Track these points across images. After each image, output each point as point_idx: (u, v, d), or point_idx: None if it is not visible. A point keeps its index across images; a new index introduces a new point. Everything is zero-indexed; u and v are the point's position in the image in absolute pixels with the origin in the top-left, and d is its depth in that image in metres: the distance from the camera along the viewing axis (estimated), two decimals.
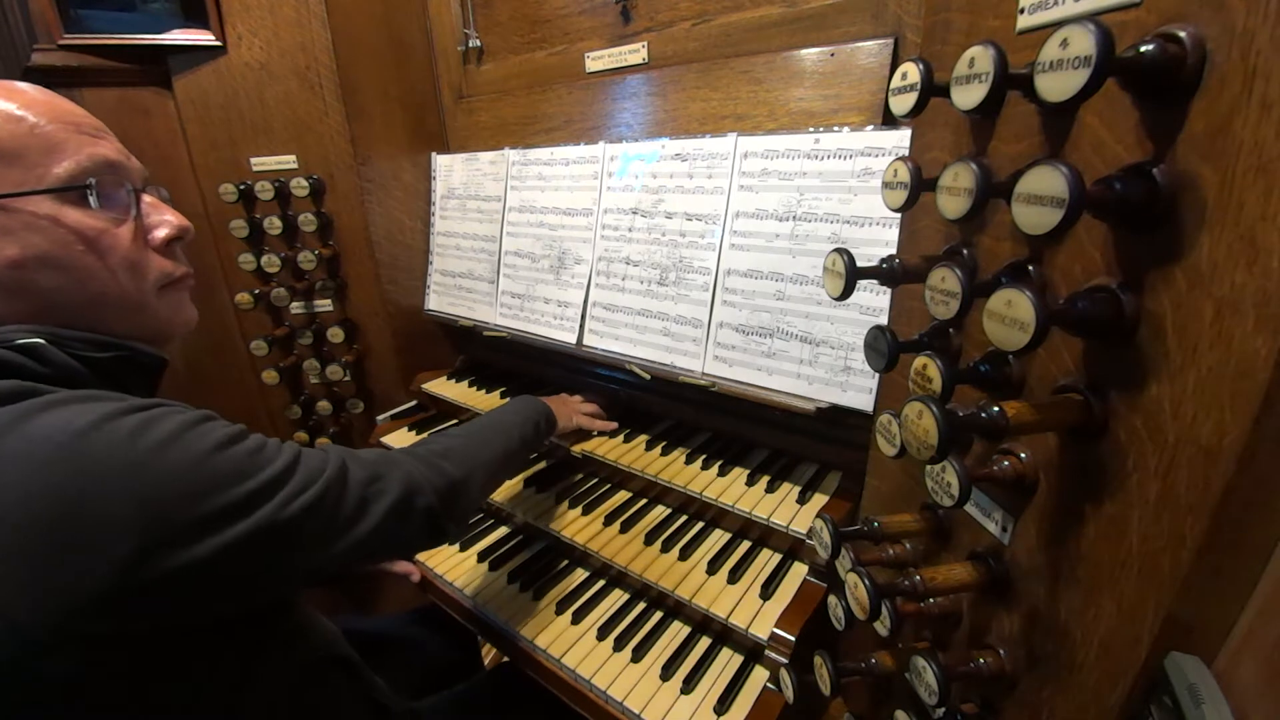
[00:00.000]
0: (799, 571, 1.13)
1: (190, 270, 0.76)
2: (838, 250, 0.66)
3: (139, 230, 0.69)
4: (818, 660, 0.77)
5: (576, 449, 1.37)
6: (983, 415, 0.48)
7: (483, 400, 1.66)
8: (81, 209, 0.63)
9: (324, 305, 1.74)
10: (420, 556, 1.34)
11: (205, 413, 0.61)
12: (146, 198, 0.71)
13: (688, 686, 1.02)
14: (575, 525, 1.28)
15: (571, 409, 1.38)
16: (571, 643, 1.11)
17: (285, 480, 0.61)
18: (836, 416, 1.06)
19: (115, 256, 0.66)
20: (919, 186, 0.61)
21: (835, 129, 1.07)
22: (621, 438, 1.40)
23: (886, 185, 0.65)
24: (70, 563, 0.48)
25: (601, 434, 1.41)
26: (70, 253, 0.62)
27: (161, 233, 0.71)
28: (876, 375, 1.00)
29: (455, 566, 1.33)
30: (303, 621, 0.80)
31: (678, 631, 1.15)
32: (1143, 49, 0.41)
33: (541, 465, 1.51)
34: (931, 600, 0.67)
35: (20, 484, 0.47)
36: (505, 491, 1.40)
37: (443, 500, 0.80)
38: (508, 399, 1.20)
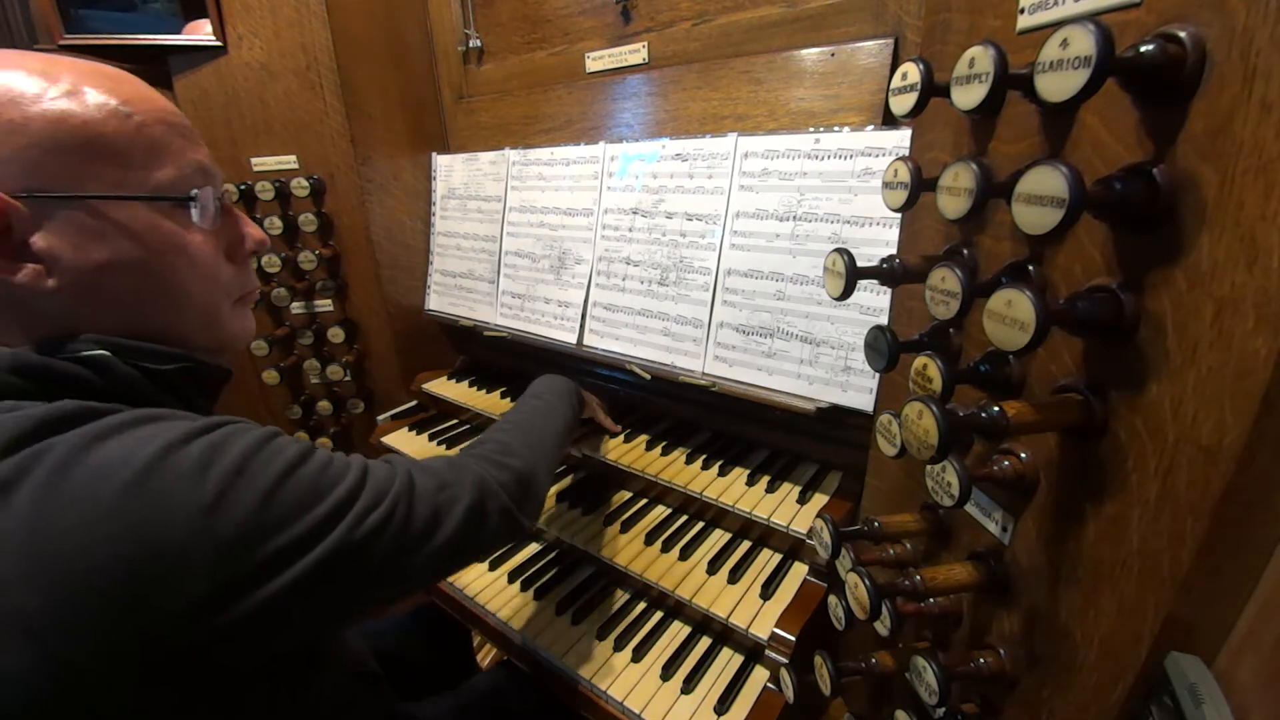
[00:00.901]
0: (799, 571, 1.13)
1: (259, 286, 0.75)
2: (838, 250, 0.66)
3: (225, 239, 0.67)
4: (818, 660, 0.77)
5: (575, 449, 1.37)
6: (983, 415, 0.48)
7: (483, 400, 1.66)
8: (178, 218, 0.61)
9: (324, 305, 1.74)
10: None
11: (270, 430, 0.58)
12: (228, 205, 0.69)
13: (688, 686, 1.02)
14: (575, 526, 1.28)
15: (586, 393, 1.35)
16: (572, 643, 1.11)
17: (354, 499, 0.58)
18: (837, 416, 1.06)
19: (203, 267, 0.64)
20: (919, 186, 0.61)
21: (835, 129, 1.07)
22: (622, 438, 1.40)
23: (887, 185, 0.65)
24: (136, 611, 0.45)
25: (609, 434, 1.41)
26: (161, 262, 0.60)
27: (246, 246, 0.70)
28: (877, 375, 1.00)
29: None
30: (340, 642, 0.78)
31: (678, 631, 1.15)
32: (1143, 49, 0.41)
33: None
34: (931, 600, 0.67)
35: (83, 528, 0.44)
36: None
37: (515, 497, 0.79)
38: (530, 390, 1.16)
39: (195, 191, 0.61)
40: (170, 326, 0.63)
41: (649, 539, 1.23)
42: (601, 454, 1.35)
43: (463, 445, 0.94)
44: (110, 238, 0.56)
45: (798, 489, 1.17)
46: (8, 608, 0.43)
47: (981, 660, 0.62)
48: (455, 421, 1.73)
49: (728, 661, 1.08)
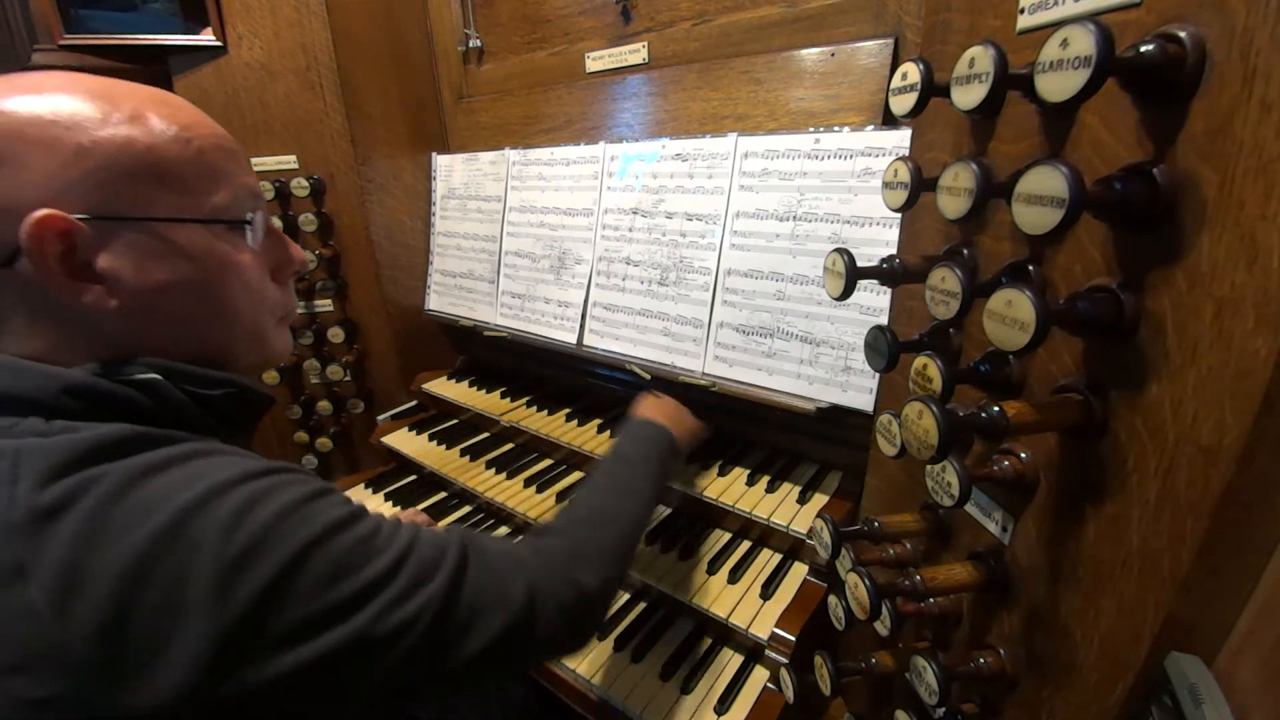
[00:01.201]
0: (799, 571, 1.13)
1: (297, 303, 0.75)
2: (838, 250, 0.66)
3: (271, 260, 0.68)
4: (818, 660, 0.77)
5: (568, 445, 1.37)
6: (983, 415, 0.48)
7: (483, 400, 1.66)
8: (231, 240, 0.62)
9: (324, 305, 1.74)
10: None
11: (319, 487, 0.56)
12: (272, 227, 0.70)
13: (688, 686, 1.02)
14: None
15: (688, 416, 1.14)
16: None
17: (387, 581, 0.53)
18: (837, 416, 1.06)
19: (252, 288, 0.64)
20: (919, 186, 0.61)
21: (835, 129, 1.07)
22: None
23: (887, 185, 0.65)
24: (147, 659, 0.45)
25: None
26: (215, 282, 0.61)
27: (292, 267, 0.71)
28: (877, 375, 1.00)
29: None
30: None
31: (678, 631, 1.15)
32: (1143, 49, 0.41)
33: (545, 464, 1.51)
34: (931, 600, 0.67)
35: (118, 567, 0.45)
36: (504, 492, 1.40)
37: (569, 619, 0.66)
38: (625, 445, 0.99)
39: (250, 215, 0.63)
40: (221, 345, 0.64)
41: (649, 539, 1.23)
42: (601, 454, 1.34)
43: (530, 531, 0.79)
44: (170, 259, 0.58)
45: (798, 489, 1.17)
46: (37, 635, 0.44)
47: (981, 660, 0.62)
48: (455, 421, 1.73)
49: (728, 662, 1.08)
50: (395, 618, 0.52)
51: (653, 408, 1.11)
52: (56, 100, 0.53)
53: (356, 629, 0.50)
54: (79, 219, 0.52)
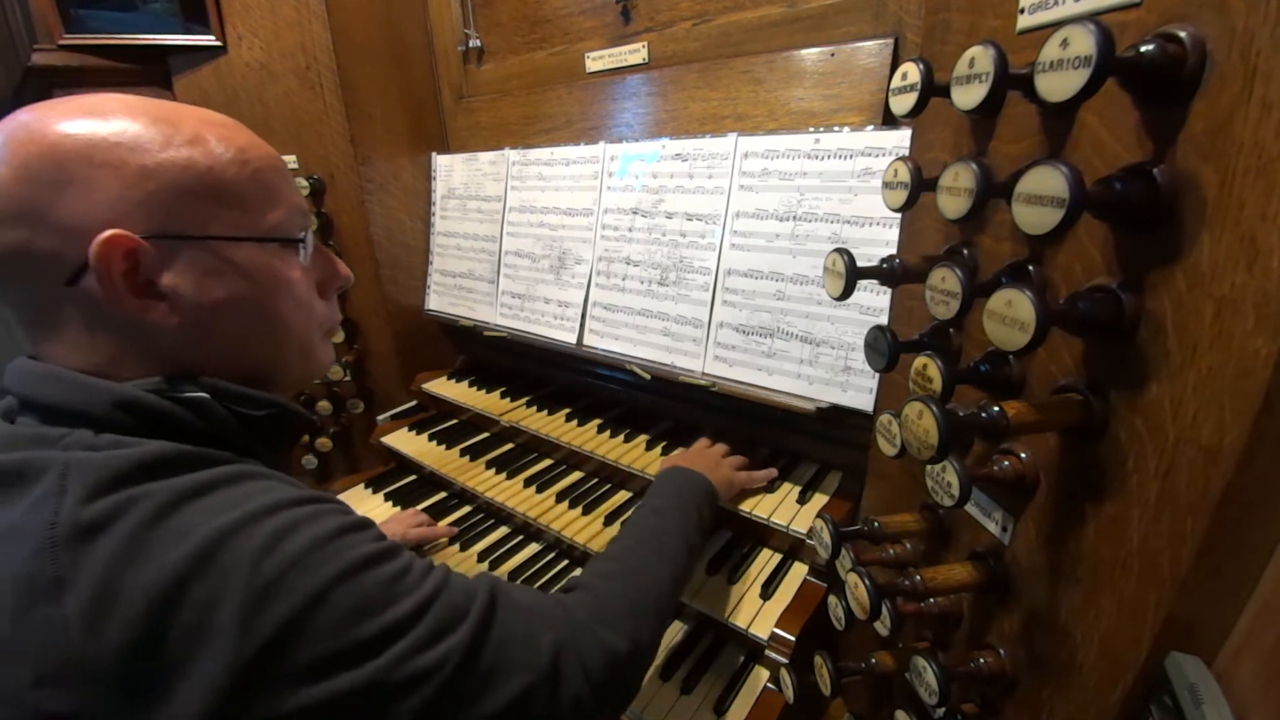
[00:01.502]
0: (799, 571, 1.13)
1: (340, 318, 0.77)
2: (838, 250, 0.66)
3: (318, 276, 0.70)
4: (818, 660, 0.77)
5: (568, 445, 1.37)
6: (983, 415, 0.48)
7: (483, 400, 1.66)
8: (284, 257, 0.64)
9: None
10: None
11: (357, 520, 0.56)
12: (316, 243, 0.71)
13: (688, 686, 1.02)
14: (575, 525, 1.28)
15: (727, 471, 1.12)
16: None
17: (411, 625, 0.52)
18: (837, 416, 1.06)
19: (303, 304, 0.66)
20: (919, 186, 0.61)
21: (835, 129, 1.07)
22: (622, 437, 1.40)
23: (887, 185, 0.65)
24: (176, 685, 0.45)
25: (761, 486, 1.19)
26: (270, 299, 0.62)
27: (337, 282, 0.73)
28: (877, 375, 1.00)
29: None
30: None
31: (677, 631, 1.15)
32: (1143, 49, 0.41)
33: (545, 464, 1.51)
34: (931, 600, 0.67)
35: (149, 589, 0.46)
36: (504, 492, 1.40)
37: (598, 686, 0.62)
38: (658, 496, 0.95)
39: (304, 234, 0.65)
40: (271, 361, 0.65)
41: None
42: (601, 454, 1.35)
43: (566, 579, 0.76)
44: (228, 276, 0.59)
45: (797, 489, 1.17)
46: (67, 650, 0.44)
47: (981, 660, 0.62)
48: (455, 421, 1.73)
49: (728, 661, 1.08)
50: (415, 665, 0.51)
51: (689, 456, 1.11)
52: (120, 123, 0.54)
53: (374, 672, 0.50)
54: (144, 238, 0.54)
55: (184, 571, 0.46)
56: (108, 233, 0.51)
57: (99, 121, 0.54)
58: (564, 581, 0.76)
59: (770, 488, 1.18)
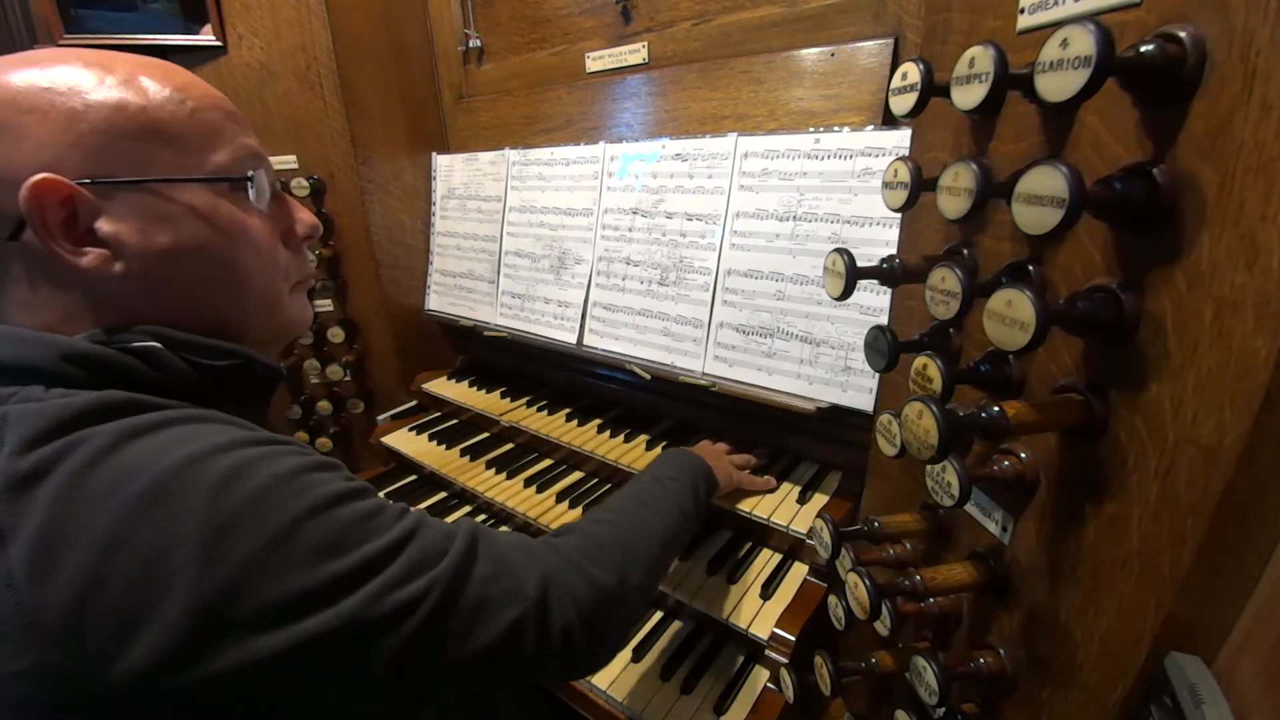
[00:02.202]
0: (799, 571, 1.13)
1: (314, 271, 0.74)
2: (838, 250, 0.66)
3: (279, 224, 0.67)
4: (818, 660, 0.77)
5: (568, 445, 1.37)
6: (983, 415, 0.48)
7: (483, 400, 1.66)
8: (235, 200, 0.61)
9: (324, 305, 1.74)
10: None
11: (321, 460, 0.53)
12: (280, 192, 0.69)
13: (688, 686, 1.02)
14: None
15: (727, 464, 1.13)
16: None
17: (387, 562, 0.50)
18: (837, 416, 1.06)
19: (263, 251, 0.63)
20: (919, 186, 0.61)
21: (835, 129, 1.07)
22: (622, 437, 1.40)
23: (887, 185, 0.65)
24: (132, 631, 0.43)
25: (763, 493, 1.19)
26: (224, 244, 0.60)
27: (299, 230, 0.69)
28: (877, 375, 1.00)
29: None
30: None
31: (677, 631, 1.15)
32: (1143, 49, 0.41)
33: (545, 464, 1.51)
34: (931, 600, 0.67)
35: (99, 533, 0.43)
36: (504, 493, 1.40)
37: (586, 617, 0.62)
38: (652, 468, 0.96)
39: (251, 172, 0.62)
40: (234, 313, 0.63)
41: None
42: (601, 455, 1.35)
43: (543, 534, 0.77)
44: (173, 221, 0.57)
45: (798, 489, 1.17)
46: (15, 604, 0.42)
47: (981, 660, 0.62)
48: (455, 421, 1.73)
49: (728, 661, 1.08)
50: (393, 600, 0.49)
51: (695, 447, 1.13)
52: (52, 70, 0.53)
53: (351, 609, 0.47)
54: (78, 183, 0.52)
55: (132, 514, 0.44)
56: (37, 177, 0.50)
57: (30, 70, 0.52)
58: (558, 526, 0.76)
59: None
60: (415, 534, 0.54)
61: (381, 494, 1.57)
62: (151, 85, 0.56)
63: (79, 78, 0.53)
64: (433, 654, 0.52)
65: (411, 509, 0.58)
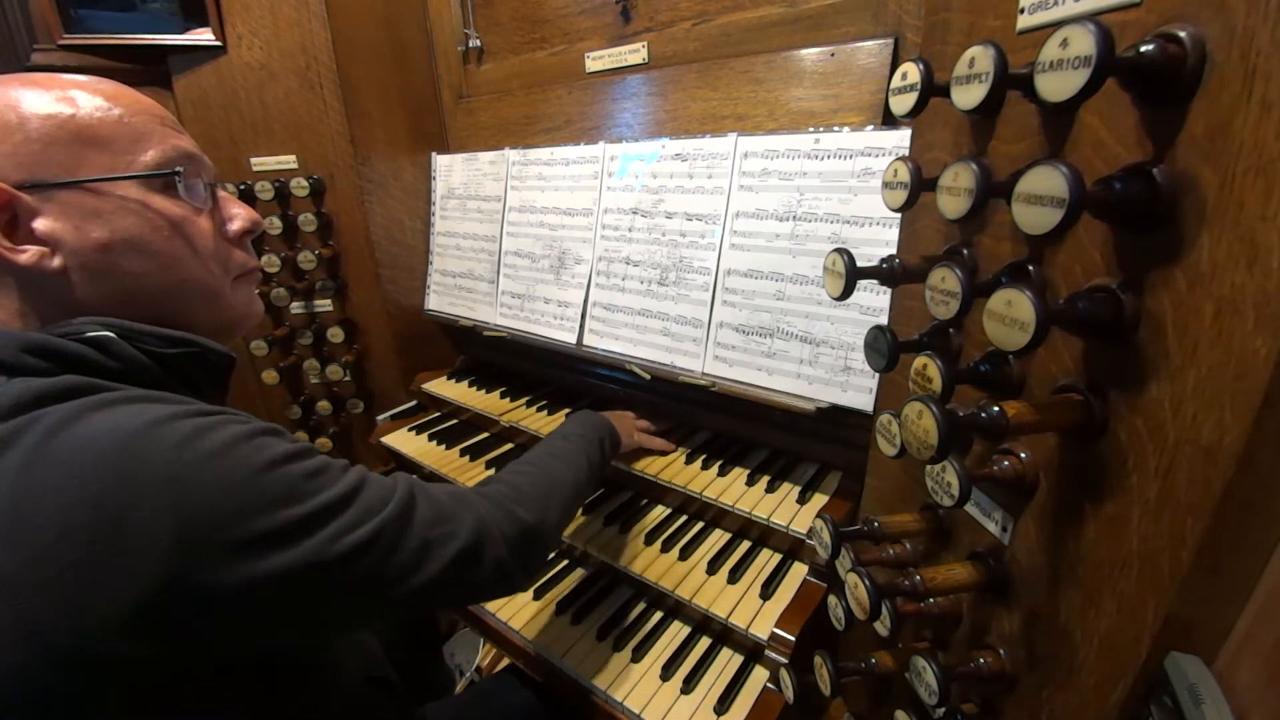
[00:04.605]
0: (799, 571, 1.13)
1: (260, 264, 0.78)
2: (838, 250, 0.66)
3: (217, 221, 0.71)
4: (818, 660, 0.77)
5: None
6: (983, 415, 0.48)
7: (483, 400, 1.66)
8: (168, 196, 0.65)
9: (324, 305, 1.74)
10: None
11: (268, 426, 0.58)
12: (219, 192, 0.74)
13: (688, 686, 1.02)
14: (574, 526, 1.28)
15: (630, 425, 1.29)
16: (572, 643, 1.11)
17: (340, 510, 0.57)
18: (837, 416, 1.06)
19: (198, 243, 0.67)
20: (919, 186, 0.61)
21: (835, 129, 1.07)
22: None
23: (886, 185, 0.65)
24: (104, 580, 0.46)
25: (661, 453, 1.32)
26: (158, 237, 0.64)
27: (235, 225, 0.74)
28: (876, 375, 1.00)
29: None
30: (350, 644, 0.77)
31: (678, 631, 1.15)
32: (1143, 49, 0.41)
33: None
34: (931, 600, 0.67)
35: (61, 491, 0.46)
36: None
37: (513, 550, 0.73)
38: (560, 429, 1.10)
39: (179, 169, 0.66)
40: (175, 307, 0.66)
41: (649, 539, 1.23)
42: None
43: (478, 477, 0.89)
44: (107, 217, 0.61)
45: (798, 489, 1.17)
46: None
47: (981, 660, 0.62)
48: (456, 422, 1.73)
49: (728, 661, 1.08)
50: (349, 541, 0.56)
51: (605, 413, 1.24)
52: None
53: (312, 549, 0.53)
54: (15, 188, 0.57)
55: (95, 472, 0.47)
56: None
57: None
58: (482, 479, 0.88)
59: (771, 488, 1.18)
60: (363, 485, 0.61)
61: None
62: (84, 98, 0.62)
63: (18, 96, 0.59)
64: (386, 588, 0.60)
65: (353, 466, 0.64)
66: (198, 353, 0.64)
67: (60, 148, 0.59)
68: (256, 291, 0.78)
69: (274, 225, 1.61)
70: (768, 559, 1.17)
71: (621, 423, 1.23)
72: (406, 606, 0.63)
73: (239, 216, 0.74)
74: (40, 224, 0.58)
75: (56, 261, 0.59)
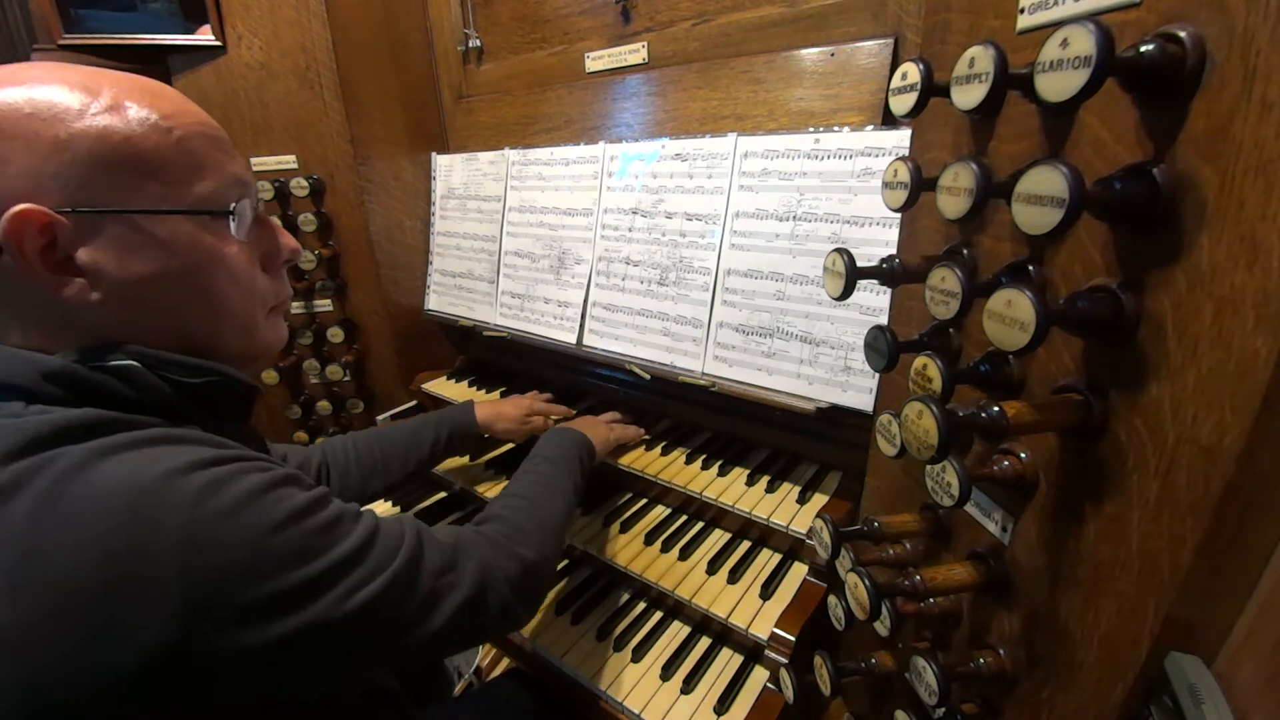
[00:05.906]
0: (799, 571, 1.13)
1: (291, 294, 0.75)
2: (838, 250, 0.66)
3: (261, 250, 0.68)
4: (818, 660, 0.77)
5: None
6: (983, 415, 0.48)
7: (483, 400, 1.66)
8: (216, 230, 0.61)
9: (324, 305, 1.74)
10: None
11: (286, 473, 0.57)
12: (266, 218, 0.70)
13: (688, 686, 1.02)
14: (574, 526, 1.28)
15: (603, 430, 1.29)
16: (572, 644, 1.11)
17: (351, 567, 0.56)
18: (836, 416, 1.06)
19: (240, 279, 0.64)
20: (919, 186, 0.61)
21: (835, 129, 1.07)
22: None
23: (886, 185, 0.65)
24: (110, 641, 0.44)
25: (638, 441, 1.38)
26: (202, 273, 0.60)
27: (282, 256, 0.71)
28: (876, 375, 1.00)
29: None
30: None
31: (678, 631, 1.15)
32: (1143, 49, 0.41)
33: None
34: (931, 600, 0.67)
35: (74, 545, 0.45)
36: None
37: (517, 590, 0.74)
38: (539, 450, 1.10)
39: (233, 205, 0.62)
40: (209, 336, 0.63)
41: (648, 539, 1.23)
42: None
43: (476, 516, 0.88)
44: (152, 251, 0.57)
45: (797, 489, 1.17)
46: None
47: (981, 660, 0.62)
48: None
49: (727, 661, 1.08)
50: (359, 598, 0.55)
51: (572, 423, 1.26)
52: (34, 91, 0.52)
53: (324, 609, 0.52)
54: (58, 213, 0.52)
55: (108, 528, 0.45)
56: (18, 207, 0.50)
57: (14, 90, 0.52)
58: (478, 516, 0.88)
59: (771, 488, 1.18)
60: (376, 535, 0.60)
61: None
62: (138, 113, 0.56)
63: (64, 101, 0.53)
64: (397, 639, 0.60)
65: (362, 510, 0.63)
66: (223, 383, 0.62)
67: (110, 172, 0.54)
68: (282, 318, 0.75)
69: None
70: (768, 559, 1.17)
71: (594, 430, 1.23)
72: (414, 655, 0.62)
73: (284, 247, 0.71)
74: (83, 254, 0.54)
75: (95, 295, 0.55)
